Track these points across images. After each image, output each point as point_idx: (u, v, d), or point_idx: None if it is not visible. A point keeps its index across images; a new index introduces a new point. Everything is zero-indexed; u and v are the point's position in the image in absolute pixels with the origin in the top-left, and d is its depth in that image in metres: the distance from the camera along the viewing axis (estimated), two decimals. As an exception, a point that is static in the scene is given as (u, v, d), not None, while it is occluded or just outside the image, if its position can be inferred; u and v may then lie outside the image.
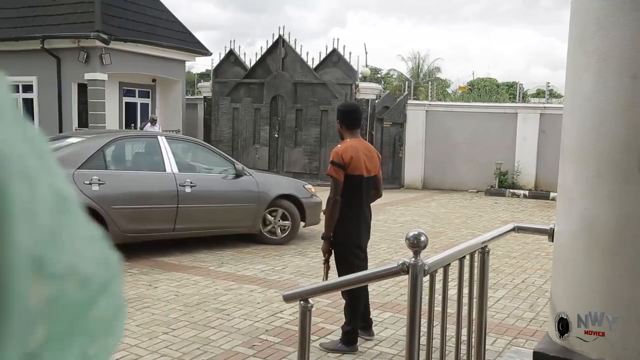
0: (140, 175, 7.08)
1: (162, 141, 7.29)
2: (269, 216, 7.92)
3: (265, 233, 7.93)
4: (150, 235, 7.02)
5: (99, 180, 6.49)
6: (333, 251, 4.29)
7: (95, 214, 6.26)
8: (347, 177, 4.13)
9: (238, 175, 7.64)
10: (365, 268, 4.32)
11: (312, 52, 15.73)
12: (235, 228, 7.75)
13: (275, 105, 16.07)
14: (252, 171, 8.12)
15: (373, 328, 4.59)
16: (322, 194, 13.51)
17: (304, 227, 8.28)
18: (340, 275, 4.22)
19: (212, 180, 7.59)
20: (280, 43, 15.78)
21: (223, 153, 8.46)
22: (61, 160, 6.31)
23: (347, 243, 4.26)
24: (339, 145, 4.25)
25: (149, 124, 15.66)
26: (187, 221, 7.15)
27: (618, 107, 2.38)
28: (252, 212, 7.69)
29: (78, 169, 6.38)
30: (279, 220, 7.98)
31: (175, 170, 7.15)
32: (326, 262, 4.31)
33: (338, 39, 15.41)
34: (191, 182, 7.14)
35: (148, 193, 6.92)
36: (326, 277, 4.35)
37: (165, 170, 7.10)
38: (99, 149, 6.76)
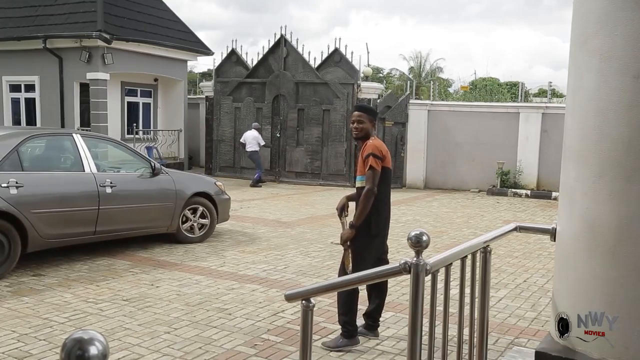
0: (60, 176, 6.65)
1: (78, 139, 6.86)
2: (188, 214, 7.84)
3: (184, 231, 7.81)
4: (71, 240, 6.63)
5: (17, 182, 5.99)
6: (356, 242, 4.25)
7: (13, 220, 5.94)
8: (383, 169, 4.26)
9: (155, 173, 7.43)
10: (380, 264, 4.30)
11: (314, 52, 15.77)
12: (155, 228, 7.56)
13: (277, 104, 16.06)
14: (168, 169, 8.02)
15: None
16: (324, 194, 13.51)
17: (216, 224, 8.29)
18: (354, 264, 4.19)
19: (132, 180, 7.32)
20: (282, 43, 15.78)
21: (138, 151, 8.36)
22: None
23: (375, 234, 4.29)
24: (370, 141, 4.31)
25: (254, 131, 14.80)
26: (108, 223, 6.84)
27: (620, 107, 2.38)
28: (170, 211, 7.55)
29: None
30: (198, 219, 7.94)
31: (94, 170, 6.80)
32: (347, 249, 4.29)
33: (340, 39, 15.46)
34: (111, 182, 6.84)
35: (69, 195, 6.52)
36: (349, 265, 4.29)
37: (84, 171, 6.71)
38: (14, 148, 6.20)
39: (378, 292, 4.50)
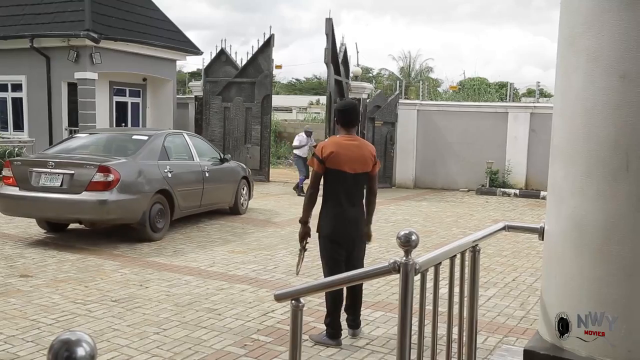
0: (185, 164, 8.85)
1: (186, 136, 9.37)
2: (241, 192, 10.22)
3: (240, 206, 10.16)
4: (189, 211, 8.77)
5: (169, 168, 8.13)
6: (318, 244, 4.42)
7: (168, 196, 8.05)
8: (328, 171, 4.27)
9: (222, 162, 9.73)
10: (344, 265, 4.31)
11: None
12: (224, 203, 9.81)
13: (267, 104, 16.02)
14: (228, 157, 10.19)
15: (364, 327, 4.61)
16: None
17: (248, 200, 10.54)
18: (323, 269, 4.41)
19: (215, 166, 9.47)
20: (272, 41, 15.56)
21: (212, 145, 10.72)
22: (149, 153, 8.09)
23: (324, 236, 4.36)
24: (324, 140, 4.48)
25: (304, 135, 14.04)
26: (207, 199, 9.05)
27: (607, 107, 2.39)
28: (233, 190, 9.91)
29: (158, 160, 8.10)
30: (245, 195, 10.36)
31: (198, 159, 9.08)
32: (302, 249, 4.46)
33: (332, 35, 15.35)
34: (207, 168, 9.08)
35: (191, 177, 8.75)
36: (299, 265, 4.55)
37: (194, 160, 9.03)
38: (162, 143, 8.36)
39: (348, 292, 4.48)
